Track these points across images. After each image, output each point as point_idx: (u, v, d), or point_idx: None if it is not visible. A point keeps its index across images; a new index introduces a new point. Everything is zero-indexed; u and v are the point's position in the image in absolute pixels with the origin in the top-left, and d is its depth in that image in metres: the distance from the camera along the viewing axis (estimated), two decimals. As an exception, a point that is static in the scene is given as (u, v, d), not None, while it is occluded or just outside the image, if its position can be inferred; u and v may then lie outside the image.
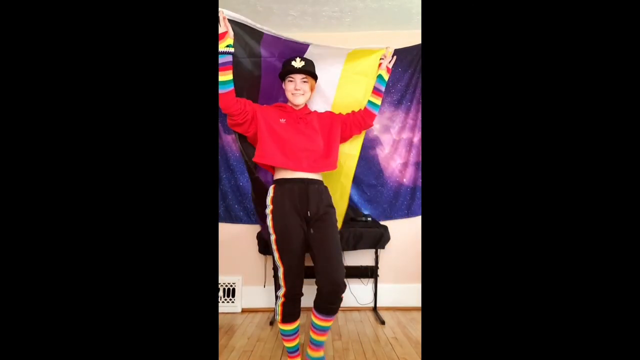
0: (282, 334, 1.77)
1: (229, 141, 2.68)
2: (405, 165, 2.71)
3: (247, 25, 1.72)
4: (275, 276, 2.51)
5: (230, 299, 2.78)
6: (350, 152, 2.12)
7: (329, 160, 1.79)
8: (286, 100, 1.85)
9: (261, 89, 1.90)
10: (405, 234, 2.74)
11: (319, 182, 1.75)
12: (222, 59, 1.57)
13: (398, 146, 2.70)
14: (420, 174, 2.73)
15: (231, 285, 2.79)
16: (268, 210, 1.69)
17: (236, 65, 1.73)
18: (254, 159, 1.75)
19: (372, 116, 1.96)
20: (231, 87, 1.63)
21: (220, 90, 1.61)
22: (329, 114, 1.92)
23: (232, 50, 1.60)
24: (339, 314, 2.64)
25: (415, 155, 2.73)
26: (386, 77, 1.97)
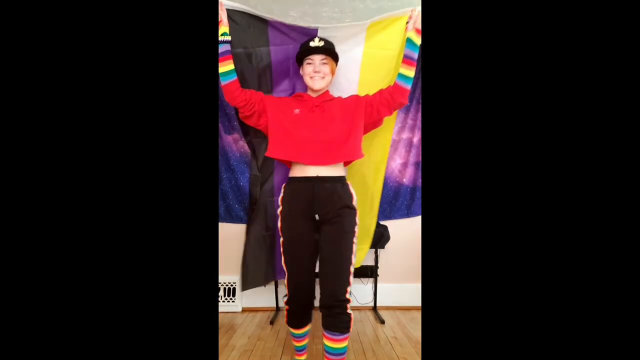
0: (291, 334, 1.69)
1: (229, 141, 2.68)
2: (405, 165, 2.71)
3: (250, 15, 1.63)
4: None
5: (231, 298, 2.78)
6: (378, 142, 1.85)
7: (346, 147, 1.54)
8: (306, 89, 1.67)
9: (274, 80, 1.77)
10: (405, 234, 2.74)
11: (333, 179, 1.53)
12: (219, 49, 1.51)
13: (398, 146, 2.69)
14: (420, 174, 2.73)
15: (232, 285, 2.79)
16: (278, 211, 1.59)
17: (244, 59, 1.67)
18: (266, 154, 1.62)
19: (404, 91, 1.60)
20: (233, 77, 1.55)
21: (222, 82, 1.54)
22: (354, 97, 1.67)
23: (228, 38, 1.54)
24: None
25: (415, 155, 2.72)
26: (417, 40, 1.56)
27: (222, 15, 1.53)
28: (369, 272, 2.69)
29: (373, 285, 2.73)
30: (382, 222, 2.67)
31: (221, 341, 2.22)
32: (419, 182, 2.79)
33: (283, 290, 2.70)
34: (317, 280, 1.55)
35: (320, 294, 1.49)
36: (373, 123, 1.67)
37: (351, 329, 1.48)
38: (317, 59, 1.59)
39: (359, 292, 2.76)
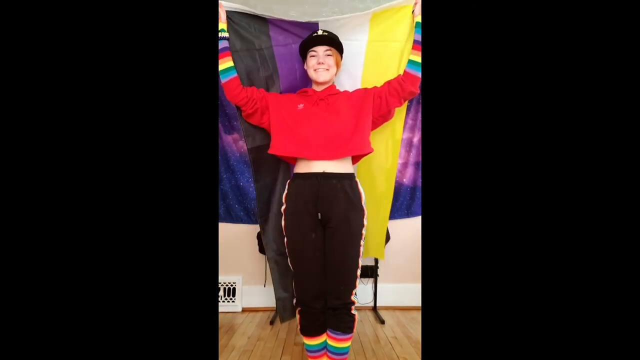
0: (305, 348, 1.56)
1: (229, 141, 2.68)
2: (405, 165, 2.71)
3: (250, 15, 1.61)
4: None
5: (231, 299, 2.78)
6: (387, 138, 1.74)
7: (353, 141, 1.46)
8: (311, 84, 1.62)
9: (281, 78, 1.71)
10: (405, 234, 2.74)
11: (340, 176, 1.46)
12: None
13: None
14: (420, 174, 2.73)
15: (231, 285, 2.79)
16: (282, 209, 1.54)
17: (247, 59, 1.64)
18: (269, 151, 1.55)
19: (415, 79, 1.51)
20: (233, 75, 1.52)
21: (222, 80, 1.51)
22: (361, 90, 1.60)
23: (226, 35, 1.53)
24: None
25: (415, 155, 2.72)
26: None
27: (221, 13, 1.52)
28: (369, 272, 2.69)
29: (373, 285, 2.73)
30: (382, 222, 2.68)
31: (221, 341, 2.21)
32: (419, 182, 2.78)
33: (283, 290, 2.71)
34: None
35: (328, 295, 1.47)
36: (383, 116, 1.59)
37: (354, 330, 1.48)
38: (320, 50, 1.52)
39: (359, 292, 2.76)
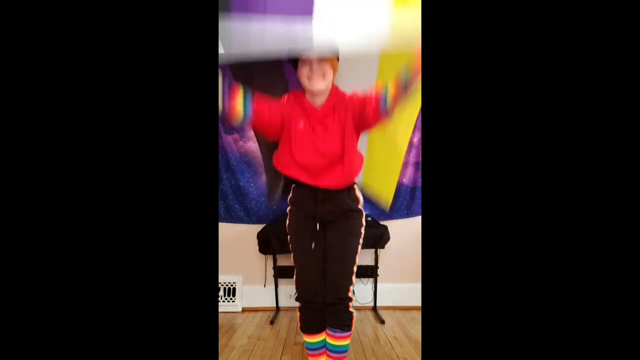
0: (305, 346, 1.59)
1: (229, 141, 2.69)
2: (405, 165, 2.72)
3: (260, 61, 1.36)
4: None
5: (231, 299, 2.78)
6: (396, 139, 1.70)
7: (347, 169, 1.44)
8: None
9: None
10: (405, 234, 2.74)
11: (338, 190, 1.49)
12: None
13: (398, 146, 2.70)
14: (420, 174, 2.74)
15: (232, 285, 2.79)
16: (287, 209, 1.58)
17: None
18: (274, 163, 1.54)
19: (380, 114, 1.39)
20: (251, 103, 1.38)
21: (248, 117, 1.38)
22: (345, 100, 1.44)
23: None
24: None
25: (414, 156, 2.74)
26: None
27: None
28: (369, 272, 2.69)
29: (373, 285, 2.73)
30: (382, 222, 2.68)
31: (221, 341, 2.22)
32: (419, 182, 2.79)
33: (283, 290, 2.72)
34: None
35: (326, 291, 1.49)
36: (367, 123, 1.45)
37: (353, 328, 1.50)
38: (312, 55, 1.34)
39: (359, 292, 2.76)
